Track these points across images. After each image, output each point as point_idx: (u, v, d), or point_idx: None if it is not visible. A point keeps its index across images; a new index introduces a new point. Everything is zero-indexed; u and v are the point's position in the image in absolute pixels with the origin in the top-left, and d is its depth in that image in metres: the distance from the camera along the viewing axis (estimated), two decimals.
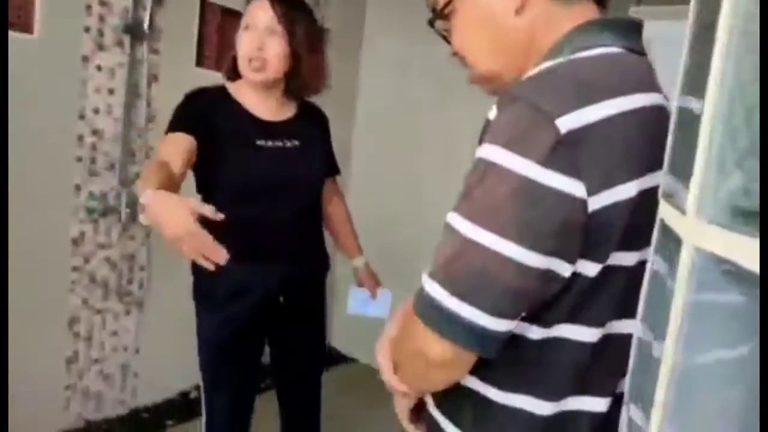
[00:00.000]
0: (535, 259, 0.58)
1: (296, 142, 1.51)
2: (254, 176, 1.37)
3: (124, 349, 2.21)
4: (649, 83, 0.66)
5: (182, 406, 2.36)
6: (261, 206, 1.45)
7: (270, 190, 1.45)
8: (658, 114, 0.62)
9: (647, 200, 0.58)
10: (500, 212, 0.58)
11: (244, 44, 1.41)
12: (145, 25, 2.01)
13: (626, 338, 0.65)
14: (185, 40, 2.18)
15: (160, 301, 2.25)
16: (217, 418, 1.60)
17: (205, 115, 1.40)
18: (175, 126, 1.37)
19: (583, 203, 0.57)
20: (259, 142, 1.46)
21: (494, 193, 0.59)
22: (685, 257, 0.37)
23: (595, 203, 0.58)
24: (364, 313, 1.82)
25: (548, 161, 0.56)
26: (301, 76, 1.47)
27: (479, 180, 0.60)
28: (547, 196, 0.57)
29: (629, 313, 0.64)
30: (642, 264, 0.62)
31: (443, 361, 0.63)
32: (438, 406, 0.76)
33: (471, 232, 0.59)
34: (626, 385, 0.58)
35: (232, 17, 2.21)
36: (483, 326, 0.59)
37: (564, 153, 0.56)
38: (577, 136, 0.57)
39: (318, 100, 1.60)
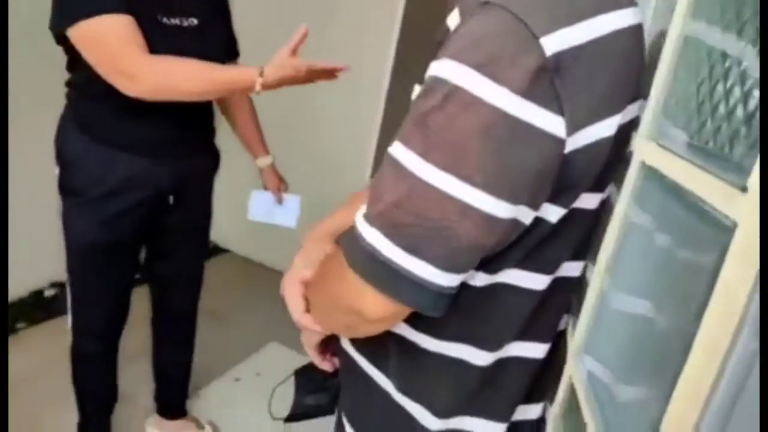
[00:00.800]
0: (502, 210, 0.49)
1: (194, 21, 1.28)
2: None
3: None
4: None
5: (35, 306, 2.14)
6: None
7: None
8: (639, 35, 0.54)
9: (619, 136, 0.52)
10: (464, 151, 0.47)
11: None
12: None
13: (573, 281, 0.62)
14: None
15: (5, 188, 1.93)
16: (87, 323, 1.45)
17: None
18: (107, 4, 1.13)
19: (561, 144, 0.49)
20: (160, 19, 1.22)
21: (458, 127, 0.48)
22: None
23: (574, 143, 0.49)
24: (269, 220, 1.66)
25: (528, 91, 0.46)
26: None
27: (438, 107, 0.48)
28: (525, 135, 0.47)
29: (579, 255, 0.60)
30: (602, 204, 0.57)
31: (380, 318, 0.54)
32: (357, 347, 0.70)
33: (424, 172, 0.48)
34: (577, 335, 0.55)
35: None
36: (436, 284, 0.50)
37: (547, 81, 0.47)
38: (562, 60, 0.47)
39: None
